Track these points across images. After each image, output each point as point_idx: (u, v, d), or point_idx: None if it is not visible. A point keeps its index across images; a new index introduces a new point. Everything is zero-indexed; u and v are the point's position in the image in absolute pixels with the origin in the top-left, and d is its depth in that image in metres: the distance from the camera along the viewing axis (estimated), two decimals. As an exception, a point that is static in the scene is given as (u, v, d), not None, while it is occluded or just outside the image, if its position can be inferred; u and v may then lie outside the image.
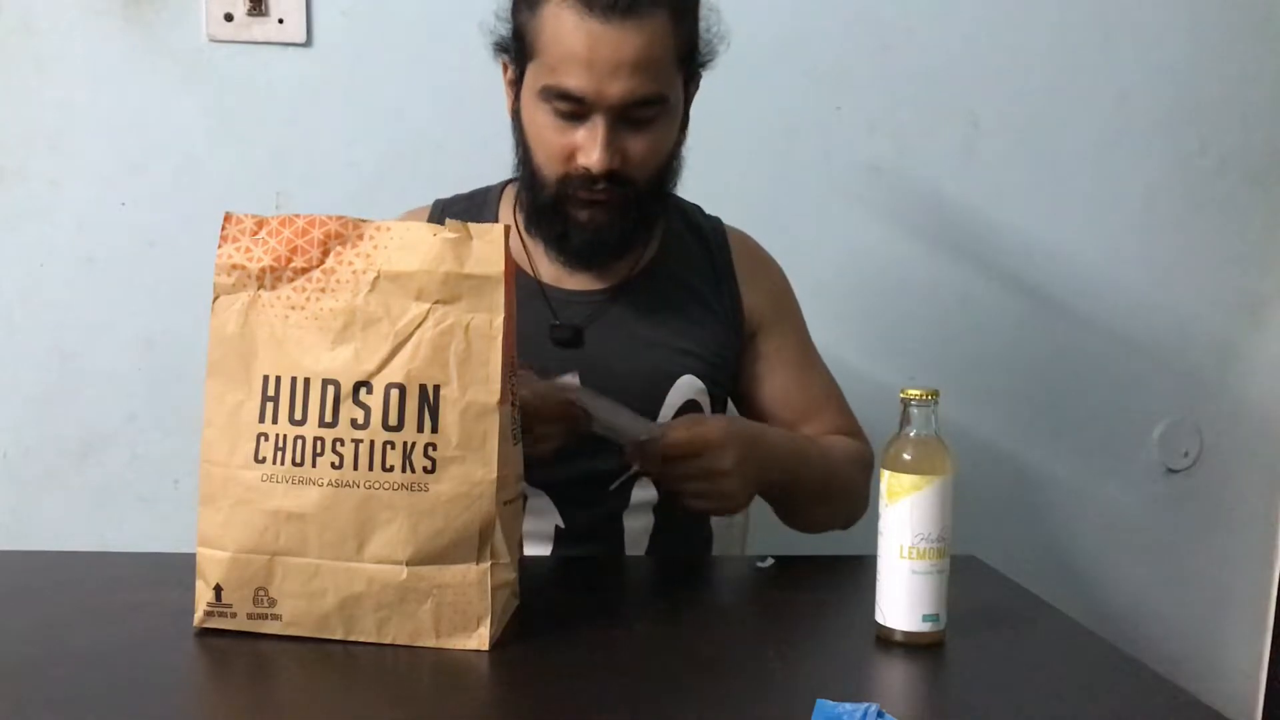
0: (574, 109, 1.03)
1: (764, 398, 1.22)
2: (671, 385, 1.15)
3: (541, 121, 1.06)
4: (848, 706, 0.71)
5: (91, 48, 1.59)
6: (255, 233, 0.83)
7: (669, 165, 1.12)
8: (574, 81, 1.01)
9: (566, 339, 1.13)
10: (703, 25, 1.11)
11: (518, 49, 1.07)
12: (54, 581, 0.98)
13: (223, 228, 0.84)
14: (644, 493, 1.15)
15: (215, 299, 0.84)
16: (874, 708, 0.70)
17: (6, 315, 1.62)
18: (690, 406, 1.16)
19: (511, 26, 1.08)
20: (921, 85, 1.70)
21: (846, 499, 1.20)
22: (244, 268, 0.83)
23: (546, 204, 1.08)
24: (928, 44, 1.70)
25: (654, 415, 1.15)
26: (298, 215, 0.84)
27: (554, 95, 1.03)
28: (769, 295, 1.24)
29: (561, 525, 1.12)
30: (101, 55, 1.59)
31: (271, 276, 0.83)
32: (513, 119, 1.12)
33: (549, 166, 1.07)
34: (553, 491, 1.11)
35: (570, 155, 1.05)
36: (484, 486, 0.81)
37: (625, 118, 1.03)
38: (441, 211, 1.20)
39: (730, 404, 1.26)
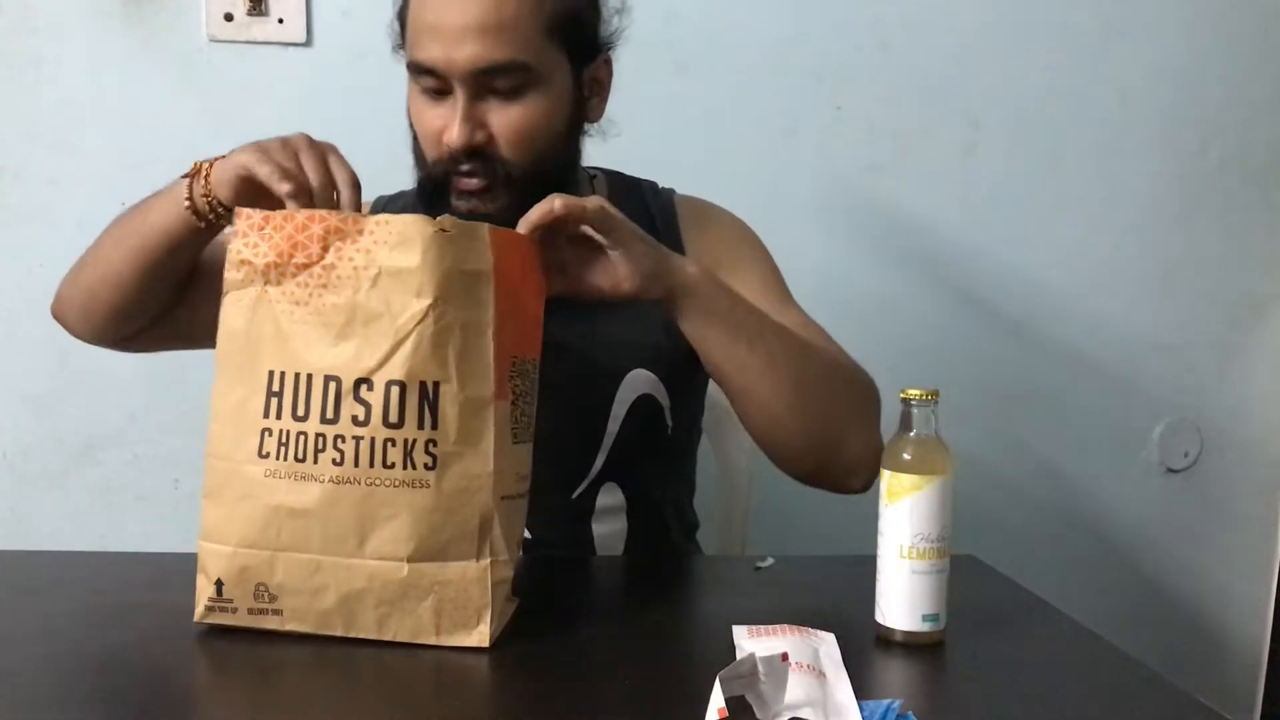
0: (437, 85, 1.00)
1: None
2: (620, 382, 1.11)
3: (413, 103, 1.04)
4: (869, 704, 0.71)
5: (91, 48, 1.59)
6: (262, 228, 0.83)
7: (553, 149, 1.05)
8: (425, 53, 0.99)
9: None
10: (598, 0, 1.07)
11: (402, 36, 1.05)
12: (54, 581, 0.98)
13: (234, 223, 0.85)
14: (611, 498, 1.13)
15: (225, 294, 0.84)
16: (896, 704, 0.70)
17: (6, 315, 1.62)
18: (645, 401, 1.13)
19: (398, 14, 1.06)
20: (921, 85, 1.71)
21: (826, 398, 1.03)
22: (251, 263, 0.83)
23: (429, 193, 1.05)
24: (928, 44, 1.70)
25: (605, 417, 1.11)
26: (298, 211, 0.84)
27: (416, 71, 1.01)
28: (716, 245, 1.15)
29: (529, 535, 1.10)
30: (101, 55, 1.59)
31: (276, 272, 0.83)
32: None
33: (426, 151, 1.05)
34: None
35: (439, 135, 1.02)
36: (482, 480, 0.81)
37: (488, 90, 1.00)
38: (383, 208, 1.19)
39: (705, 393, 1.22)
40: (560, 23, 1.02)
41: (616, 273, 0.93)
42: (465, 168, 1.01)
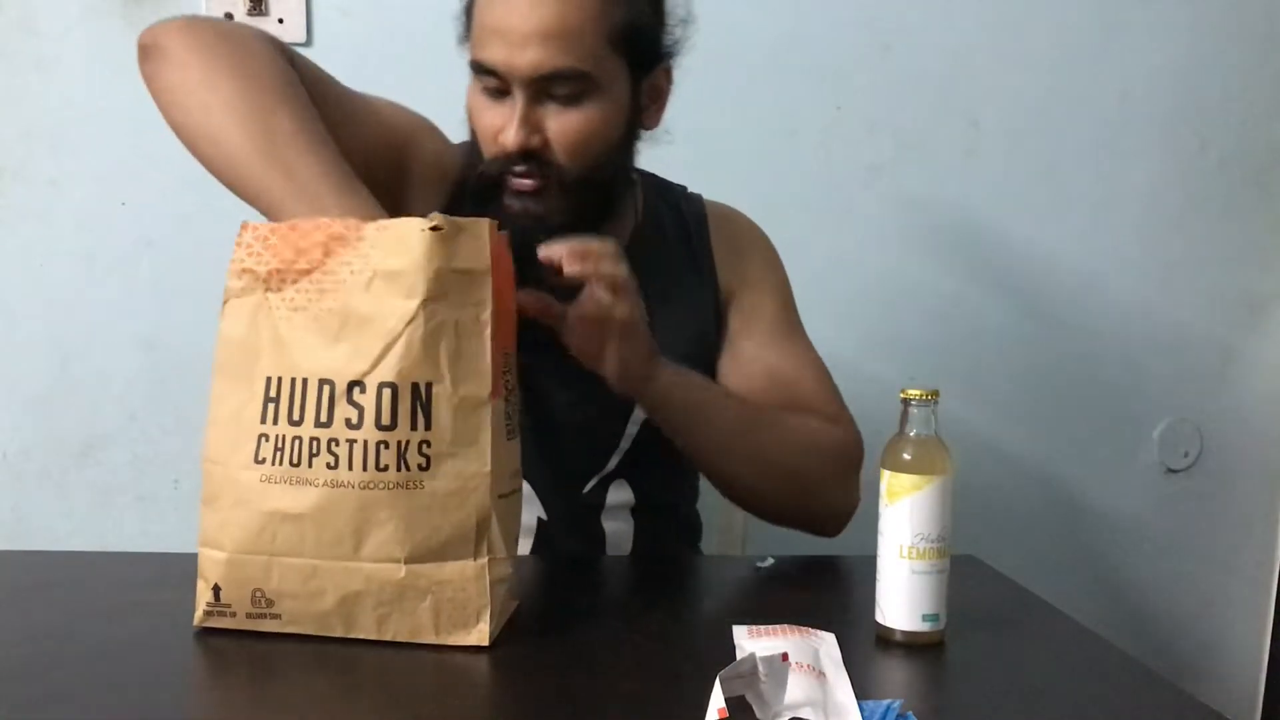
0: (497, 85, 1.00)
1: (725, 368, 1.16)
2: None
3: (473, 100, 1.04)
4: (869, 704, 0.71)
5: (91, 48, 1.59)
6: (267, 239, 0.83)
7: (609, 155, 1.05)
8: (487, 53, 0.99)
9: (536, 337, 1.10)
10: (662, 10, 1.07)
11: (467, 31, 1.05)
12: (54, 581, 0.98)
13: (239, 236, 0.84)
14: (620, 494, 1.14)
15: (225, 302, 0.84)
16: (896, 704, 0.70)
17: (6, 315, 1.62)
18: None
19: (464, 8, 1.06)
20: (921, 85, 1.71)
21: (795, 485, 1.09)
22: (253, 271, 0.83)
23: (481, 190, 1.05)
24: (928, 44, 1.70)
25: (626, 415, 1.13)
26: (304, 220, 0.84)
27: (478, 70, 1.01)
28: (742, 264, 1.19)
29: (544, 517, 1.12)
30: (101, 55, 1.59)
31: (278, 279, 0.82)
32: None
33: (483, 148, 1.05)
34: (535, 482, 1.10)
35: (496, 135, 1.02)
36: (479, 480, 0.81)
37: (547, 95, 1.00)
38: (464, 155, 1.15)
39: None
40: (623, 32, 1.02)
41: (604, 350, 0.95)
42: (520, 168, 1.02)
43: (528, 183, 1.02)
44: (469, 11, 1.04)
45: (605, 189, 1.08)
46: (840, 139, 1.70)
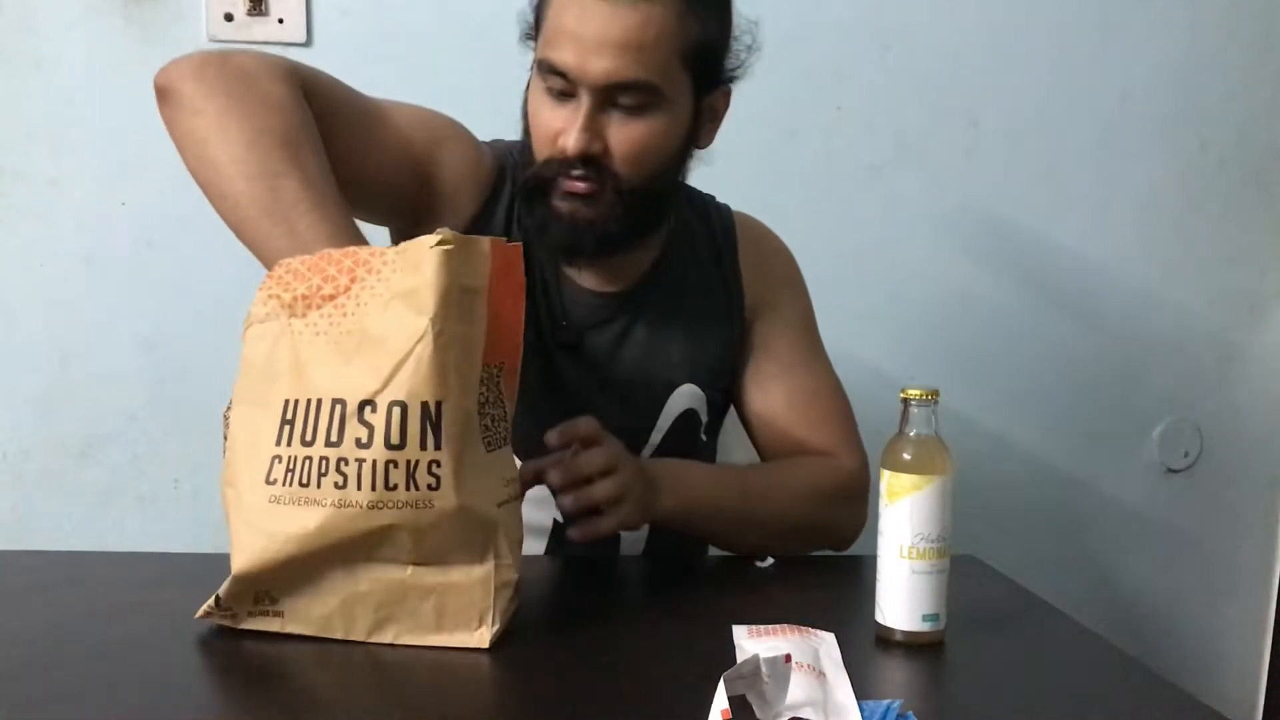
0: (564, 87, 1.00)
1: (744, 388, 1.19)
2: (671, 394, 1.14)
3: (535, 99, 1.04)
4: (869, 704, 0.71)
5: (91, 48, 1.59)
6: (298, 269, 0.83)
7: (665, 169, 1.07)
8: (558, 55, 0.99)
9: (568, 341, 1.12)
10: (732, 33, 1.09)
11: (536, 29, 1.05)
12: (54, 581, 0.98)
13: (274, 269, 0.84)
14: None
15: (247, 328, 0.84)
16: (896, 704, 0.70)
17: (6, 315, 1.62)
18: (688, 415, 1.16)
19: (534, 6, 1.06)
20: (921, 85, 1.71)
21: (805, 533, 1.13)
22: (278, 298, 0.83)
23: (532, 188, 1.05)
24: (928, 44, 1.70)
25: (651, 422, 1.14)
26: (334, 249, 0.84)
27: (546, 69, 1.01)
28: (768, 283, 1.21)
29: (559, 519, 1.12)
30: (101, 55, 1.59)
31: (303, 304, 0.82)
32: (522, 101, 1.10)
33: (538, 147, 1.05)
34: None
35: (556, 137, 1.02)
36: (479, 495, 0.80)
37: (613, 104, 1.01)
38: (506, 151, 1.15)
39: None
40: (694, 50, 1.03)
41: (604, 519, 1.00)
42: (576, 172, 1.02)
43: (581, 185, 1.02)
44: (539, 9, 1.04)
45: (656, 201, 1.09)
46: (840, 139, 1.70)
